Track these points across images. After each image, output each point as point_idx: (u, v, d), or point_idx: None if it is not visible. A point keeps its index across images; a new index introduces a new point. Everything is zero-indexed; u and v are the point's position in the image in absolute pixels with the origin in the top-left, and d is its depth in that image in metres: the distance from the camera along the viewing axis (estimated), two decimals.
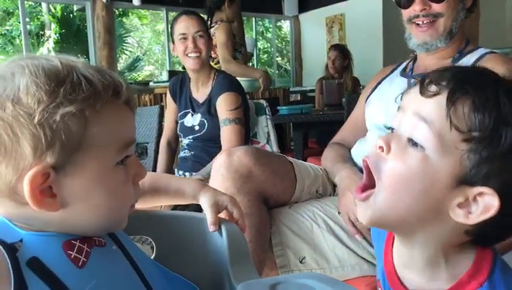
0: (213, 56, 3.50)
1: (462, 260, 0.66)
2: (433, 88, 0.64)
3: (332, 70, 4.41)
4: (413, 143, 0.63)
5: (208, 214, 0.71)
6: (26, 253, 0.52)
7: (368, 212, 0.66)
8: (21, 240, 0.53)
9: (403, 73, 1.46)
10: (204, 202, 0.73)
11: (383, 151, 0.65)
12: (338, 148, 1.47)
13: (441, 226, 0.64)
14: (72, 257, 0.55)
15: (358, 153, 1.41)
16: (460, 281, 0.65)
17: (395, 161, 0.64)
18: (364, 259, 1.21)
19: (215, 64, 3.43)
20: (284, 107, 3.18)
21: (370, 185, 0.67)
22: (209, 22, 3.57)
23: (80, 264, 0.55)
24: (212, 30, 3.47)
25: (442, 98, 0.62)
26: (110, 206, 0.57)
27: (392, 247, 0.74)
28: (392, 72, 1.53)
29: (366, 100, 1.52)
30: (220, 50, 3.45)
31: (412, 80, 1.38)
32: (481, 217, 0.61)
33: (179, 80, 2.28)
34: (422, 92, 0.64)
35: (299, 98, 6.25)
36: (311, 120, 3.09)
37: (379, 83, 1.52)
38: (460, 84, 0.62)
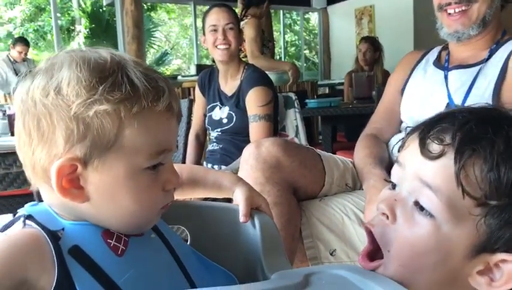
0: (242, 50, 3.51)
1: None
2: (435, 148, 0.56)
3: (362, 62, 4.35)
4: (420, 207, 0.56)
5: (241, 205, 0.71)
6: (68, 241, 0.54)
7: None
8: (63, 229, 0.55)
9: (438, 63, 1.42)
10: (239, 193, 0.73)
11: (387, 218, 0.59)
12: (371, 144, 1.42)
13: None
14: (112, 245, 0.56)
15: (398, 145, 1.39)
16: None
17: (403, 231, 0.57)
18: None
19: (243, 58, 3.44)
20: (312, 101, 3.16)
21: (375, 250, 0.60)
22: (240, 15, 3.58)
23: (119, 252, 0.56)
24: (241, 24, 3.48)
25: (448, 160, 0.54)
26: (134, 209, 0.57)
27: None
28: (422, 57, 1.49)
29: (402, 90, 1.48)
30: (248, 45, 3.45)
31: (447, 72, 1.35)
32: (506, 286, 0.54)
33: (207, 74, 2.29)
34: (424, 153, 0.57)
35: (327, 92, 6.21)
36: (340, 113, 3.06)
37: (412, 71, 1.49)
38: (466, 141, 0.54)
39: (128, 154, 0.54)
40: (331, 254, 1.20)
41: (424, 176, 0.56)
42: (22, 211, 0.57)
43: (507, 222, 0.52)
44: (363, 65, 4.35)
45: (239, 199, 0.72)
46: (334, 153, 2.98)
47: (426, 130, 0.58)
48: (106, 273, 0.54)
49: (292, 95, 2.24)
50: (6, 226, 0.55)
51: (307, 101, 3.12)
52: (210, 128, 2.27)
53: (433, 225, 0.55)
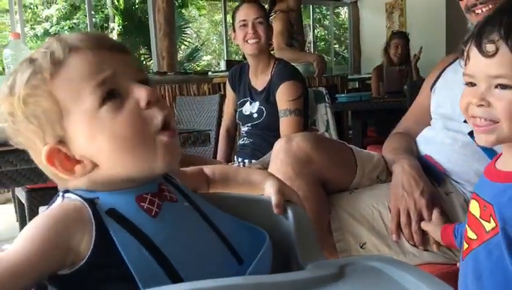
0: (271, 44, 3.54)
1: None
2: (491, 47, 0.76)
3: (394, 57, 4.31)
4: (502, 86, 0.76)
5: (273, 197, 0.72)
6: (103, 206, 0.57)
7: (492, 137, 0.80)
8: (98, 197, 0.58)
9: None
10: (270, 186, 0.74)
11: (482, 106, 0.78)
12: (401, 139, 1.43)
13: None
14: (145, 207, 0.59)
15: (425, 139, 1.39)
16: None
17: (501, 102, 0.76)
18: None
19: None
20: (342, 95, 3.16)
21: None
22: (268, 10, 3.61)
23: (153, 214, 0.59)
24: (270, 19, 3.50)
25: (504, 50, 0.75)
26: (123, 144, 0.58)
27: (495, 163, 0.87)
28: (455, 60, 1.48)
29: (432, 88, 1.48)
30: (275, 38, 3.47)
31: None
32: None
33: (238, 69, 2.32)
34: (483, 54, 0.76)
35: (357, 86, 6.15)
36: (370, 108, 3.05)
37: (443, 71, 1.48)
38: (509, 31, 0.73)
39: (76, 107, 0.57)
40: (361, 247, 1.21)
41: (492, 70, 0.77)
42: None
43: None
44: (394, 60, 4.30)
45: (271, 191, 0.73)
46: (365, 148, 2.99)
47: (477, 38, 0.78)
48: (143, 231, 0.56)
49: (323, 90, 2.24)
50: (49, 206, 0.60)
51: (337, 95, 3.11)
52: (241, 123, 2.30)
53: None
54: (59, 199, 0.59)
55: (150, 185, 0.62)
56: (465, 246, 0.89)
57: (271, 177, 0.77)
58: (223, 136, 2.45)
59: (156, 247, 0.56)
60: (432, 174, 1.29)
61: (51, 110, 0.57)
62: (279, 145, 1.25)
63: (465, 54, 0.82)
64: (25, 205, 2.45)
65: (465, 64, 0.82)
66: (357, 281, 0.57)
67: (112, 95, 0.58)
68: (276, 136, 2.07)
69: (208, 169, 0.80)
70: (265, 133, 2.14)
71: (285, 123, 2.07)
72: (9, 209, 3.54)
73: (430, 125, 1.45)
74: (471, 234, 0.87)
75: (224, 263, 0.62)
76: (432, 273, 1.17)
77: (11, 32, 1.53)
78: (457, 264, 1.19)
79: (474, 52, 0.79)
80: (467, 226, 0.89)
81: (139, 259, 0.54)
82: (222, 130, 2.46)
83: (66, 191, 0.60)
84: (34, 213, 2.52)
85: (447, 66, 1.48)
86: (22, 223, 2.87)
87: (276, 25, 3.51)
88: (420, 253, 1.19)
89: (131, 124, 0.58)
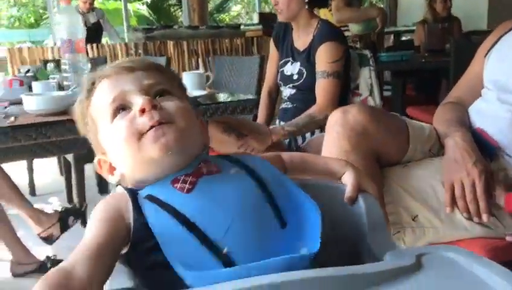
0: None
1: None
2: None
3: (442, 12, 4.11)
4: None
5: (348, 188, 0.75)
6: (143, 193, 0.67)
7: None
8: (140, 189, 0.68)
9: None
10: (349, 177, 0.77)
11: None
12: (453, 109, 1.41)
13: None
14: (178, 187, 0.66)
15: (477, 112, 1.37)
16: None
17: None
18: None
19: (329, 11, 3.36)
20: (383, 54, 3.09)
21: None
22: None
23: (185, 191, 0.66)
24: None
25: None
26: (121, 147, 0.69)
27: None
28: None
29: (487, 55, 1.44)
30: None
31: None
32: None
33: (282, 27, 2.29)
34: None
35: (392, 39, 5.99)
36: (411, 68, 2.98)
37: (499, 38, 1.43)
38: None
39: (103, 124, 0.71)
40: (413, 220, 1.23)
41: None
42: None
43: None
44: (443, 14, 4.11)
45: (348, 182, 0.76)
46: (405, 110, 2.95)
47: None
48: (172, 205, 0.63)
49: (367, 53, 2.19)
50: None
51: (379, 55, 3.04)
52: (282, 84, 2.29)
53: None
54: (112, 191, 0.73)
55: (186, 169, 0.69)
56: None
57: (350, 167, 0.79)
58: (264, 98, 2.43)
59: (186, 217, 0.62)
60: (484, 149, 1.28)
61: (91, 126, 0.73)
62: (335, 118, 1.25)
63: None
64: (71, 162, 2.55)
65: None
66: (433, 272, 0.59)
67: (122, 109, 0.69)
68: (315, 98, 2.07)
69: (285, 155, 0.83)
70: (306, 96, 2.13)
71: (323, 85, 2.05)
72: (53, 163, 3.67)
73: (481, 95, 1.43)
74: None
75: (265, 225, 0.65)
76: (483, 247, 1.19)
77: None
78: (506, 238, 1.21)
79: None
80: None
81: (165, 227, 0.61)
82: (264, 92, 2.45)
83: (118, 186, 0.72)
84: (79, 169, 2.63)
85: (506, 33, 1.43)
86: (68, 178, 3.00)
87: None
88: (472, 227, 1.20)
89: (124, 128, 0.68)
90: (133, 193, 0.66)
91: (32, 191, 3.23)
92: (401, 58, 3.06)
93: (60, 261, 2.39)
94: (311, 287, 0.53)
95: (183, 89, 0.78)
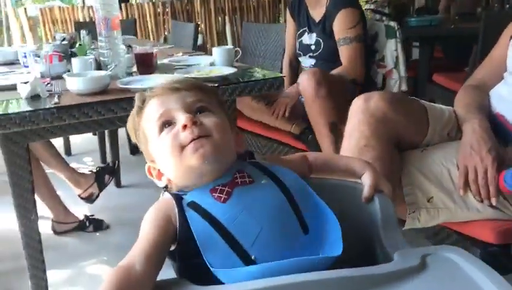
0: None
1: None
2: None
3: None
4: None
5: (366, 188, 0.83)
6: (187, 199, 0.76)
7: None
8: (185, 194, 0.77)
9: None
10: (367, 178, 0.85)
11: None
12: (474, 93, 1.45)
13: None
14: (216, 196, 0.75)
15: (498, 97, 1.40)
16: None
17: None
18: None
19: None
20: (412, 19, 3.04)
21: None
22: None
23: (222, 200, 0.74)
24: None
25: None
26: (167, 158, 0.78)
27: None
28: None
29: (511, 39, 1.45)
30: None
31: None
32: None
33: None
34: None
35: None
36: (440, 34, 2.94)
37: None
38: None
39: (152, 136, 0.81)
40: (428, 201, 1.31)
41: None
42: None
43: None
44: None
45: (366, 183, 0.85)
46: (431, 77, 2.94)
47: None
48: (210, 213, 0.72)
49: (395, 25, 2.20)
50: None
51: (407, 20, 3.01)
52: (301, 53, 2.33)
53: None
54: (160, 197, 0.81)
55: (223, 178, 0.77)
56: None
57: (369, 167, 0.88)
58: (285, 68, 2.49)
59: (222, 224, 0.71)
60: (502, 134, 1.33)
61: (142, 138, 0.84)
62: (357, 105, 1.31)
63: None
64: None
65: None
66: (437, 273, 0.67)
67: (168, 124, 0.79)
68: (335, 67, 2.12)
69: (311, 156, 0.92)
70: (325, 66, 2.17)
71: (346, 51, 2.10)
72: None
73: (503, 78, 1.45)
74: None
75: (290, 231, 0.74)
76: (494, 229, 1.26)
77: None
78: None
79: None
80: None
81: (204, 233, 0.70)
82: (285, 61, 2.49)
83: (165, 190, 0.82)
84: (113, 130, 2.75)
85: None
86: (101, 138, 3.15)
87: None
88: (484, 209, 1.27)
89: (169, 142, 0.77)
90: (177, 199, 0.75)
91: (68, 151, 3.41)
92: (430, 23, 3.02)
93: (97, 219, 2.51)
94: (318, 287, 0.62)
95: (221, 102, 0.88)
